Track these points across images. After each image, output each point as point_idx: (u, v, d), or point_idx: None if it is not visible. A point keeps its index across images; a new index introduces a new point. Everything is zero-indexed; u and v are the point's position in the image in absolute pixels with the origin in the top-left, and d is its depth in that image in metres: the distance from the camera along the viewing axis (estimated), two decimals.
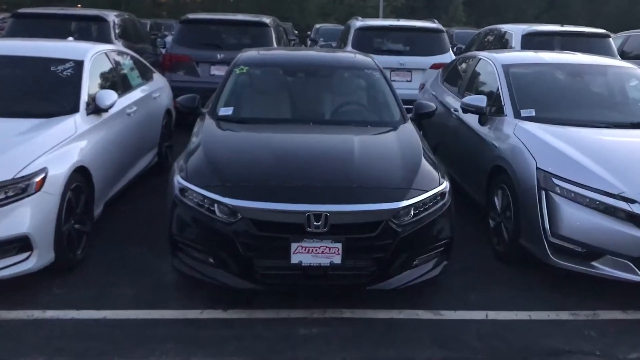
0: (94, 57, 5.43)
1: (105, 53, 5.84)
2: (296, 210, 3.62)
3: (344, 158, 4.12)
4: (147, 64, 7.30)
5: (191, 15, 10.07)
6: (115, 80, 5.80)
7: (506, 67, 5.60)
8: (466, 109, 5.49)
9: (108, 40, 8.82)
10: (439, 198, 3.96)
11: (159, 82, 7.21)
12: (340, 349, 3.48)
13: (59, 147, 4.29)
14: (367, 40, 9.51)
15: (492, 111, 5.36)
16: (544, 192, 4.23)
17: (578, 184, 4.10)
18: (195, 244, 3.81)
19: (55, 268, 4.15)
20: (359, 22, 9.98)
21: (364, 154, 4.21)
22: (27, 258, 3.89)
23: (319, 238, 3.62)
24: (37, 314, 3.74)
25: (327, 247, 3.63)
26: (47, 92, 5.01)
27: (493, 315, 3.94)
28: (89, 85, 5.09)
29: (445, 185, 4.04)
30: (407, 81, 9.22)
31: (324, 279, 3.74)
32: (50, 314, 3.75)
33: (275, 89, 5.31)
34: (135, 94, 6.11)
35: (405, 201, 3.77)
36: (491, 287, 4.32)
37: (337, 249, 3.63)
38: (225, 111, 4.92)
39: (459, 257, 4.69)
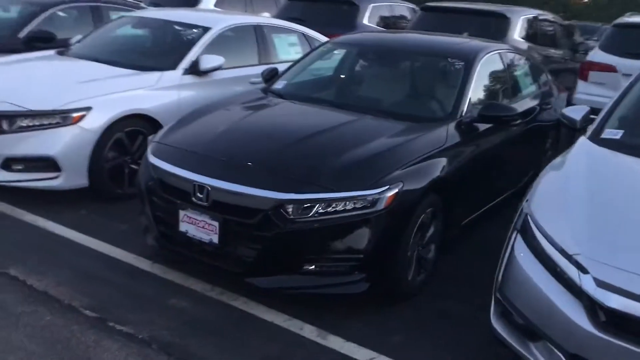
0: (226, 28, 5.98)
1: (258, 26, 6.36)
2: (185, 177, 3.54)
3: (286, 141, 3.75)
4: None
5: (627, 18, 8.51)
6: (252, 52, 6.24)
7: None
8: (562, 121, 4.22)
9: (504, 37, 8.13)
10: (364, 204, 3.30)
11: None
12: (177, 333, 3.26)
13: (120, 93, 4.97)
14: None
15: (584, 128, 4.00)
16: (515, 232, 3.11)
17: (543, 233, 2.89)
18: (139, 196, 4.03)
19: (96, 195, 4.91)
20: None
21: (319, 142, 3.74)
22: (56, 177, 4.71)
23: (200, 211, 3.47)
24: (41, 221, 4.52)
25: (206, 222, 3.46)
26: (158, 50, 5.82)
27: None
28: (205, 49, 5.66)
29: (378, 192, 3.32)
30: None
31: (204, 255, 3.56)
32: (50, 225, 4.49)
33: (339, 69, 5.03)
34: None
35: (294, 194, 3.28)
36: (431, 334, 3.41)
37: (215, 227, 3.43)
38: (278, 84, 4.90)
39: (450, 294, 3.82)
